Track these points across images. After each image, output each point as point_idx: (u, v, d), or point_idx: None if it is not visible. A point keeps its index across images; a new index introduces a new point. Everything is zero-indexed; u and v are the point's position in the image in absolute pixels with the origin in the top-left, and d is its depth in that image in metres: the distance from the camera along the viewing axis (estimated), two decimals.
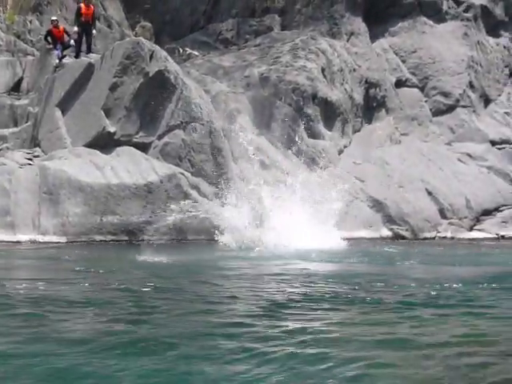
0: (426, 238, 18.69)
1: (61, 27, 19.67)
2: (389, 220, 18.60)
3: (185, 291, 8.32)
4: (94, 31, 19.72)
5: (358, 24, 23.29)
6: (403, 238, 18.54)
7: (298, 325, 6.24)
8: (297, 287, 8.79)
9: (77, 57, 19.43)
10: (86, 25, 19.46)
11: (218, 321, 6.42)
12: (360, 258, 12.83)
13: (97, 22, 20.48)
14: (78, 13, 19.59)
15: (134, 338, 5.65)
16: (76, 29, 19.54)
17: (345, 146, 20.68)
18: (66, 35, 19.62)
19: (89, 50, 19.50)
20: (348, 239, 16.30)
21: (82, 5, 19.57)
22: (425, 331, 6.07)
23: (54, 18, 20.18)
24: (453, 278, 9.78)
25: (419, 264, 12.18)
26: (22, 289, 8.25)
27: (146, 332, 5.91)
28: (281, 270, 10.64)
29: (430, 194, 19.51)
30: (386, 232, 18.49)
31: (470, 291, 8.43)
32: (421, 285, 8.91)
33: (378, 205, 18.65)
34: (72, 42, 19.61)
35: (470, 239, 19.04)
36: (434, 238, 18.87)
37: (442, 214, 19.40)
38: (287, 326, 6.18)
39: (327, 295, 8.02)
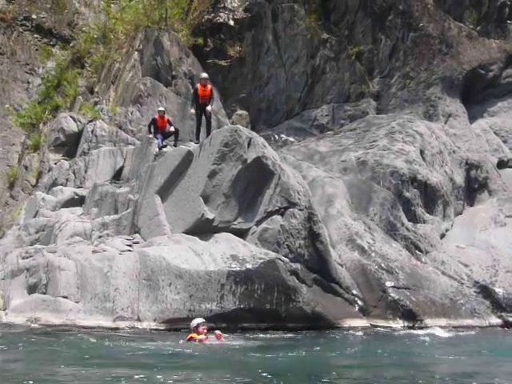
0: None
1: (165, 118, 20.15)
2: (497, 307, 17.61)
3: None
4: (209, 107, 19.33)
5: (456, 105, 22.99)
6: None
7: None
8: None
9: (176, 145, 19.84)
10: (203, 106, 19.34)
11: None
12: None
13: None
14: (195, 94, 19.46)
15: None
16: (193, 111, 19.52)
17: (447, 230, 20.00)
18: (168, 125, 20.09)
19: (208, 133, 18.88)
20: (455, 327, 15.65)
21: (199, 85, 19.44)
22: None
23: (161, 108, 20.65)
24: None
25: None
26: None
27: None
28: None
29: None
30: (494, 320, 17.48)
31: None
32: None
33: (485, 291, 17.74)
34: (172, 128, 20.06)
35: None
36: None
37: None
38: None
39: None
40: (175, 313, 15.18)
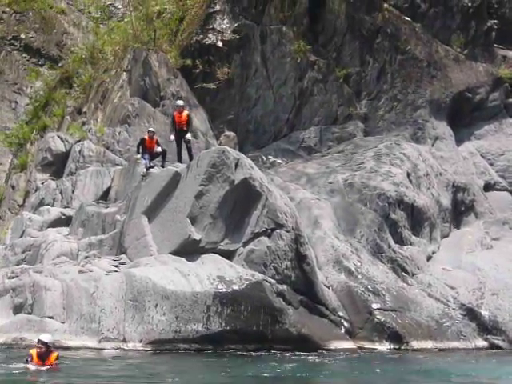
0: None
1: (155, 138, 20.15)
2: (483, 329, 17.64)
3: None
4: (188, 135, 20.34)
5: (443, 128, 23.16)
6: (499, 348, 17.50)
7: None
8: None
9: (163, 166, 19.85)
10: (180, 131, 20.24)
11: None
12: None
13: None
14: (173, 120, 20.51)
15: None
16: (172, 137, 20.42)
17: (433, 252, 20.07)
18: (156, 146, 20.10)
19: (191, 158, 19.71)
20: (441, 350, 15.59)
21: (175, 112, 20.48)
22: None
23: (151, 129, 20.63)
24: None
25: None
26: None
27: None
28: None
29: None
30: (480, 342, 17.50)
31: None
32: None
33: (471, 313, 17.76)
34: (159, 149, 20.08)
35: None
36: None
37: None
38: None
39: None
40: (161, 334, 15.08)
